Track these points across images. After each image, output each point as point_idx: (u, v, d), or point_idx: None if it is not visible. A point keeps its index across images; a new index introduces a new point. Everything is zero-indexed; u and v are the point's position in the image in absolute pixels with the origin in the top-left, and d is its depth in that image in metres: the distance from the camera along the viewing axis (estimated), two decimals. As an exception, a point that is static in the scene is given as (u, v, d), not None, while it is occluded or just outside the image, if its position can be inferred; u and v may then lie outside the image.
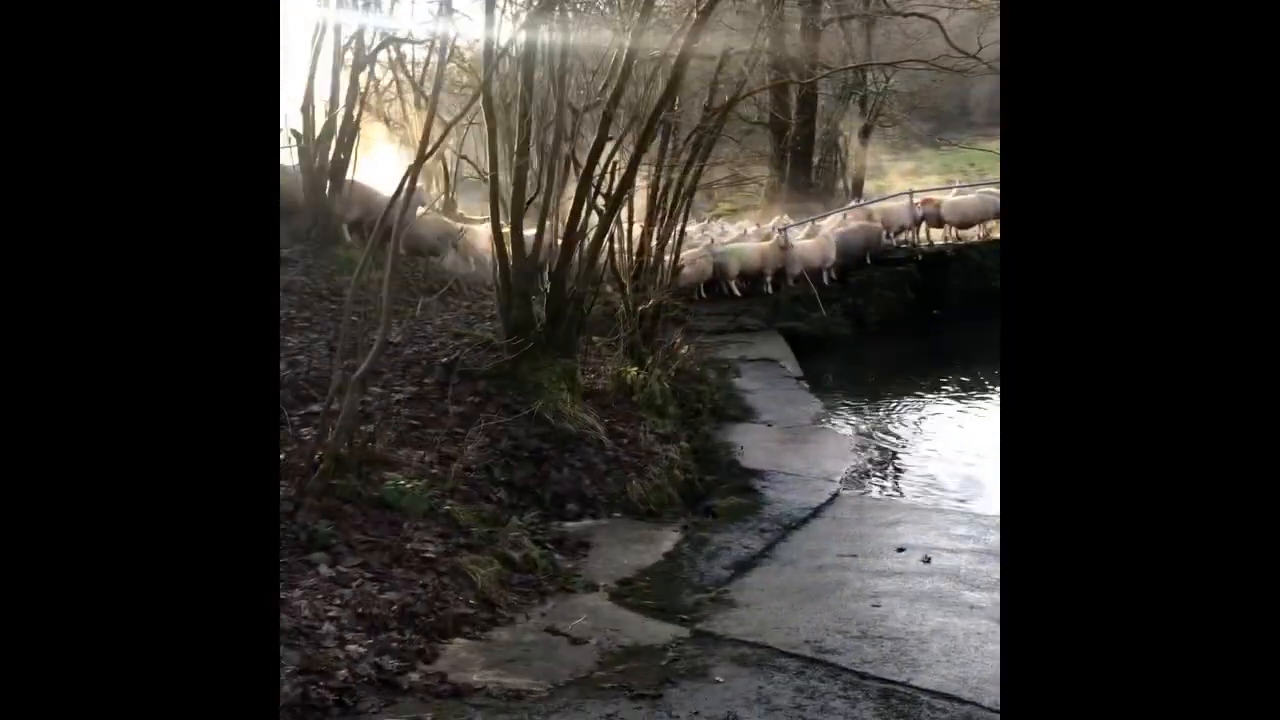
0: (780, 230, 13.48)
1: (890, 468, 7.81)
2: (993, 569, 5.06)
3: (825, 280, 13.71)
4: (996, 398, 10.04)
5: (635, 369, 7.86)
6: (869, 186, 23.67)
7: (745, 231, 14.56)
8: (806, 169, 20.81)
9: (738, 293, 13.20)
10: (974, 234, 15.73)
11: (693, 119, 10.29)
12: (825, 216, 15.49)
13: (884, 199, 16.73)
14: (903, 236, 15.52)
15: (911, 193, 15.74)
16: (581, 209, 7.33)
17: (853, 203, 17.73)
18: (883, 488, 7.28)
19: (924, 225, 15.82)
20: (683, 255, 12.89)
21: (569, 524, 5.88)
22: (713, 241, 13.35)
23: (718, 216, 18.45)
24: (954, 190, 16.71)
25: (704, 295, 12.83)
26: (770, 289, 13.39)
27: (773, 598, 4.83)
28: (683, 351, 8.90)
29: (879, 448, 8.44)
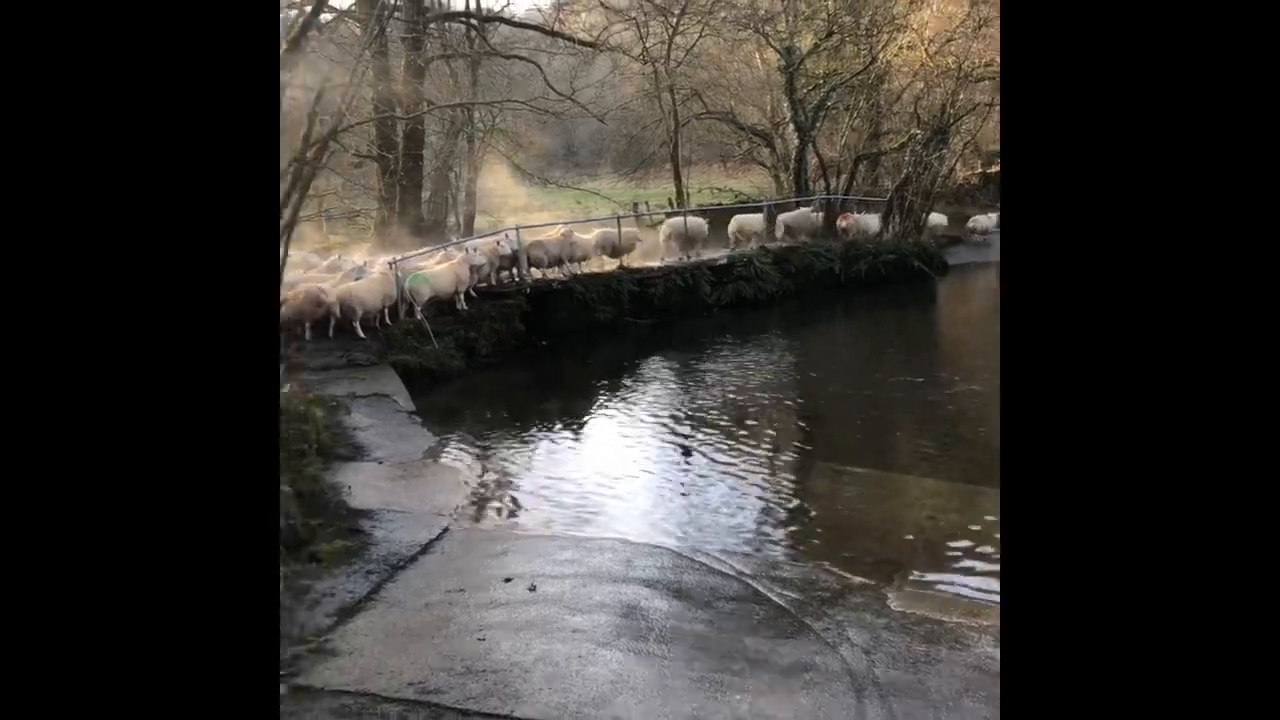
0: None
1: (502, 498, 7.89)
2: (594, 590, 5.25)
3: (461, 306, 14.15)
4: (600, 424, 10.48)
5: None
6: (481, 222, 24.00)
7: (363, 266, 14.22)
8: (417, 203, 20.75)
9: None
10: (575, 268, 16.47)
11: (293, 148, 9.89)
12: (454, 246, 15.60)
13: (489, 235, 16.94)
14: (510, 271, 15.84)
15: (519, 229, 16.10)
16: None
17: (473, 238, 17.83)
18: (494, 519, 7.34)
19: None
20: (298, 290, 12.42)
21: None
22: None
23: (329, 250, 17.84)
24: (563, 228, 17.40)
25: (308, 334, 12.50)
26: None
27: (377, 642, 4.70)
28: (284, 390, 8.48)
29: (492, 479, 8.50)
